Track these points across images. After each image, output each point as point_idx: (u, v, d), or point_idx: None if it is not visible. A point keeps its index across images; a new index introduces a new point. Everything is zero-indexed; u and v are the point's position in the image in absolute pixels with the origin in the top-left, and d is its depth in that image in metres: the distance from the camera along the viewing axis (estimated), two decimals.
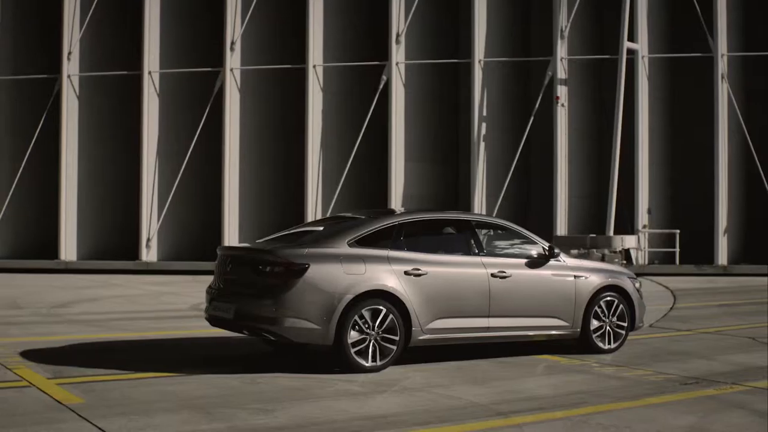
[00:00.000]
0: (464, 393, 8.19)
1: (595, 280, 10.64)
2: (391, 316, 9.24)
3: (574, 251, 26.05)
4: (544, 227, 27.08)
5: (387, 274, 9.30)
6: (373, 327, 9.15)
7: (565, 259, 10.58)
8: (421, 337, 9.48)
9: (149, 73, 27.18)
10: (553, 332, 10.41)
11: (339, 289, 9.03)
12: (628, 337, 11.67)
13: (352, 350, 9.05)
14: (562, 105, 26.78)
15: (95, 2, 27.08)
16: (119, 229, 27.59)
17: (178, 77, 27.65)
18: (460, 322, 9.75)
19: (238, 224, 27.13)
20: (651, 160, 26.92)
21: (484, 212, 26.99)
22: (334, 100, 27.66)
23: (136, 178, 27.16)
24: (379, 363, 9.17)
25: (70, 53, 27.14)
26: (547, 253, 10.36)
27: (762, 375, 9.30)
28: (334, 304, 8.98)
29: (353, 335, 9.06)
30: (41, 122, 27.02)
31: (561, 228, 26.62)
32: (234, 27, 27.23)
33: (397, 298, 9.28)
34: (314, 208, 27.26)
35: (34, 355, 9.93)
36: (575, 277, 10.50)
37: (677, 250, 26.45)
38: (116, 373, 8.99)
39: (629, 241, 25.93)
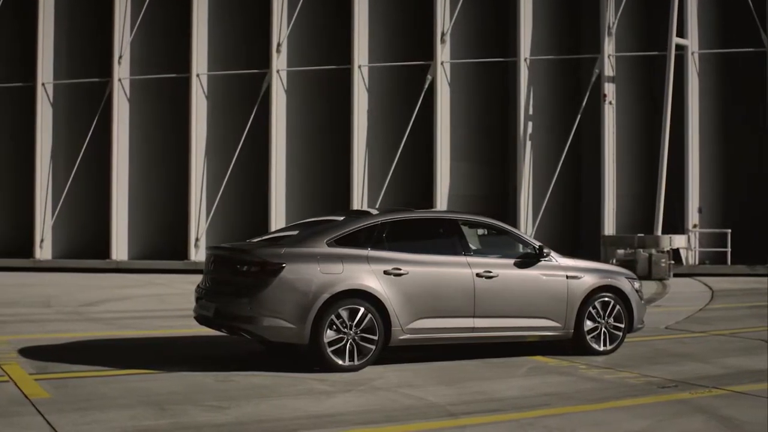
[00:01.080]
0: (430, 393, 8.14)
1: (588, 281, 10.45)
2: (369, 315, 9.22)
3: (621, 251, 25.71)
4: (593, 226, 26.79)
5: (365, 274, 9.29)
6: (351, 326, 9.15)
7: (557, 259, 10.41)
8: (401, 337, 9.45)
9: (197, 75, 27.64)
10: (544, 333, 10.26)
11: (315, 288, 9.05)
12: (631, 339, 11.51)
13: (329, 349, 9.07)
14: (610, 103, 26.37)
15: (145, 7, 27.64)
16: (169, 229, 28.09)
17: (226, 79, 28.05)
18: (444, 322, 9.68)
19: (284, 224, 27.36)
20: (702, 157, 26.31)
21: (530, 212, 26.77)
22: (379, 100, 27.71)
23: (185, 179, 27.62)
24: (356, 362, 9.17)
25: (120, 57, 27.75)
26: (536, 252, 10.21)
27: (749, 379, 9.04)
28: (310, 303, 9.01)
29: (330, 334, 9.07)
30: (93, 125, 27.67)
31: (609, 227, 26.20)
32: (280, 29, 27.50)
33: (376, 297, 9.26)
34: (360, 207, 27.33)
35: (30, 352, 10.19)
36: (567, 277, 10.32)
37: (728, 250, 25.79)
38: (98, 370, 9.17)
39: (678, 241, 25.39)
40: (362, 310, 9.20)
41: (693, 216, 26.22)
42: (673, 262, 24.72)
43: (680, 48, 25.79)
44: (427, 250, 9.87)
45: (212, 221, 27.41)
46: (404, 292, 9.42)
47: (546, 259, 10.24)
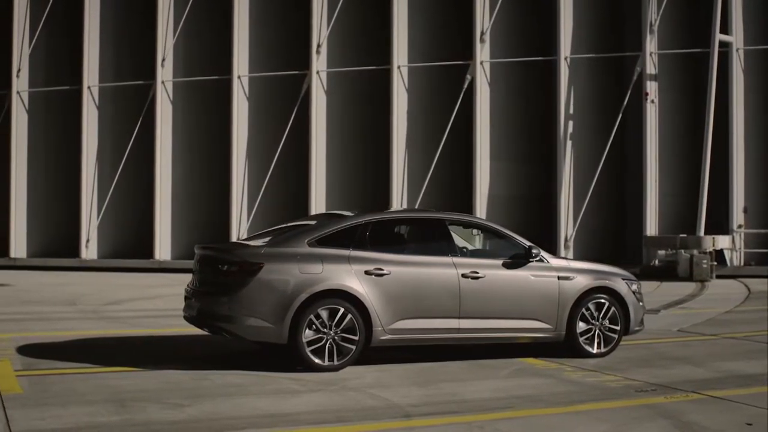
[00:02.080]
0: (398, 395, 8.10)
1: (581, 282, 10.28)
2: (349, 315, 9.21)
3: (662, 252, 25.27)
4: (635, 227, 26.35)
5: (346, 274, 9.28)
6: (331, 326, 9.15)
7: (549, 259, 10.27)
8: (383, 338, 9.42)
9: (239, 77, 27.92)
10: (534, 335, 10.13)
11: (293, 288, 9.08)
12: (633, 342, 11.36)
13: (308, 349, 9.09)
14: (652, 101, 25.89)
15: (187, 10, 28.02)
16: (211, 228, 28.40)
17: (267, 81, 28.28)
18: (428, 323, 9.61)
19: None
20: (747, 156, 25.70)
21: (571, 213, 26.43)
22: (418, 101, 27.66)
23: (226, 180, 27.92)
24: (336, 362, 9.17)
25: (164, 60, 28.18)
26: (526, 253, 10.07)
27: (736, 383, 8.82)
28: (288, 302, 9.03)
29: (308, 334, 9.09)
30: (137, 127, 28.14)
31: (651, 227, 25.74)
32: (320, 30, 27.64)
33: (356, 298, 9.24)
34: (399, 207, 27.32)
35: (28, 349, 10.41)
36: (559, 278, 10.17)
37: None
38: (84, 367, 9.34)
39: (722, 242, 24.85)
40: (342, 310, 9.20)
41: (738, 216, 25.62)
42: (716, 263, 24.19)
43: (724, 45, 25.21)
44: (412, 251, 9.84)
45: (253, 221, 27.66)
46: (386, 292, 9.38)
47: (536, 259, 10.09)
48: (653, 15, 25.75)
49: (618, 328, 10.47)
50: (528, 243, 10.24)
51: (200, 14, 28.37)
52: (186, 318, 9.86)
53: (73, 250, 28.49)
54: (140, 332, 12.46)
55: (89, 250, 28.53)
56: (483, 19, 26.79)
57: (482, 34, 26.80)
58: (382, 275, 9.39)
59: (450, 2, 28.18)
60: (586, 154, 26.53)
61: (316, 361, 9.11)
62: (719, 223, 25.53)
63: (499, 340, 10.08)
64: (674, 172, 26.44)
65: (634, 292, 10.68)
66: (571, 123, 26.59)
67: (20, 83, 29.04)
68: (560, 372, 9.37)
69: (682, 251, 24.24)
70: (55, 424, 6.82)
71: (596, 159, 26.06)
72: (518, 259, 10.10)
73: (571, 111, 26.56)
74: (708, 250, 24.19)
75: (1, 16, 29.22)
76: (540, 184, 27.68)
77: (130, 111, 28.53)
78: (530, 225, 27.34)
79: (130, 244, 28.69)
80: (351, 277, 9.29)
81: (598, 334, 10.37)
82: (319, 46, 27.65)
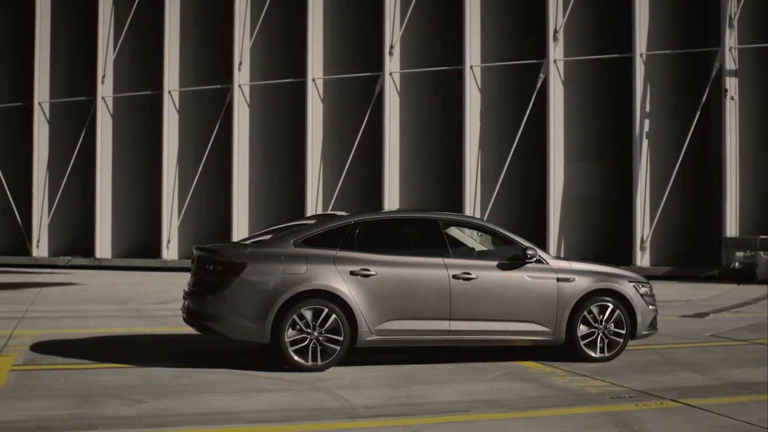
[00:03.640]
0: (363, 395, 8.07)
1: (582, 284, 10.00)
2: (334, 316, 9.22)
3: (740, 254, 24.39)
4: (714, 228, 25.47)
5: (330, 274, 9.29)
6: (315, 327, 9.17)
7: (549, 260, 10.03)
8: (369, 338, 9.39)
9: (313, 80, 28.25)
10: (530, 338, 9.91)
11: (275, 288, 9.14)
12: (647, 346, 11.06)
13: (291, 349, 9.13)
14: (732, 98, 24.96)
15: (263, 15, 28.53)
16: None
17: (340, 83, 28.52)
18: (416, 324, 9.53)
19: None
20: None
21: (648, 210, 25.71)
22: (491, 100, 27.42)
23: (301, 181, 28.30)
24: (320, 362, 9.19)
25: (240, 63, 28.74)
26: (522, 254, 9.86)
27: (724, 392, 8.46)
28: (270, 302, 9.10)
29: (291, 334, 9.13)
30: (215, 130, 28.78)
31: (731, 228, 24.83)
32: (392, 31, 27.70)
33: (341, 298, 9.24)
34: (472, 208, 27.17)
35: (40, 345, 10.79)
36: (558, 279, 9.92)
37: None
38: (79, 363, 9.64)
39: None
40: (326, 310, 9.21)
41: None
42: None
43: None
44: (401, 251, 9.76)
45: None
46: (372, 293, 9.34)
47: (533, 260, 9.87)
48: (732, 9, 24.84)
49: (623, 332, 10.15)
50: (526, 243, 10.02)
51: (275, 18, 28.83)
52: (183, 319, 10.03)
53: (155, 250, 29.33)
54: (162, 330, 12.74)
55: (170, 251, 29.32)
56: (556, 16, 26.35)
57: (555, 32, 26.37)
58: (368, 276, 9.36)
59: (522, 1, 27.83)
60: (662, 153, 25.78)
61: (300, 360, 9.14)
62: None
63: (493, 342, 9.92)
64: (756, 172, 25.41)
65: (642, 295, 10.34)
66: (647, 121, 25.88)
67: (105, 89, 30.10)
68: (548, 376, 9.14)
69: (761, 253, 23.35)
70: (7, 417, 7.05)
71: (673, 158, 25.29)
72: (515, 260, 9.89)
73: (648, 109, 25.85)
74: None
75: (86, 24, 30.33)
76: (615, 184, 27.03)
77: (208, 114, 29.21)
78: (605, 226, 26.81)
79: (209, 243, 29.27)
80: (335, 278, 9.29)
81: (602, 338, 10.07)
82: (391, 47, 27.72)
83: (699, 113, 25.02)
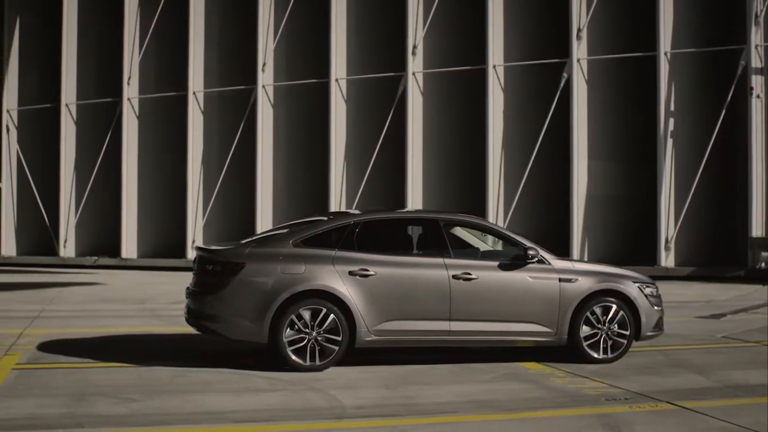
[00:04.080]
0: (355, 396, 8.06)
1: (585, 284, 9.90)
2: (332, 316, 9.22)
3: (766, 254, 24.08)
4: (741, 227, 25.16)
5: (328, 274, 9.29)
6: (313, 327, 9.18)
7: (551, 261, 9.95)
8: (368, 339, 9.37)
9: (336, 80, 28.32)
10: (532, 339, 9.82)
11: (274, 288, 9.16)
12: (653, 347, 10.97)
13: (289, 348, 9.15)
14: (758, 96, 24.66)
15: (286, 17, 28.64)
16: None
17: (364, 83, 28.56)
18: (415, 324, 9.49)
19: None
20: None
21: (672, 210, 25.45)
22: (514, 100, 27.33)
23: (325, 180, 28.39)
24: (318, 362, 9.19)
25: (264, 64, 28.88)
26: (523, 254, 9.79)
27: (723, 394, 8.36)
28: (268, 302, 9.12)
29: (289, 334, 9.14)
30: (239, 130, 28.95)
31: (757, 228, 24.54)
32: (415, 31, 27.70)
33: (339, 298, 9.23)
34: (495, 208, 27.13)
35: (46, 345, 10.88)
36: (560, 280, 9.83)
37: None
38: (81, 362, 9.73)
39: None
40: (324, 310, 9.21)
41: None
42: None
43: None
44: (401, 251, 9.74)
45: None
46: (371, 293, 9.33)
47: (534, 260, 9.80)
48: (758, 6, 24.53)
49: (627, 333, 10.04)
50: (528, 243, 9.95)
51: (299, 19, 28.98)
52: (185, 319, 10.08)
53: (180, 250, 29.54)
54: (171, 330, 12.80)
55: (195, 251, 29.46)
56: (579, 15, 26.19)
57: (579, 31, 26.21)
58: (367, 276, 9.35)
59: (545, 1, 27.68)
60: (687, 152, 25.53)
61: (298, 360, 9.15)
62: None
63: (494, 343, 9.86)
64: None
65: (647, 296, 10.20)
66: (672, 120, 25.62)
67: (131, 90, 30.38)
68: (547, 378, 9.07)
69: None
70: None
71: (698, 157, 25.04)
72: (516, 261, 9.82)
73: (672, 108, 25.60)
74: None
75: (112, 27, 30.62)
76: (640, 184, 26.78)
77: (233, 115, 29.41)
78: (629, 226, 26.61)
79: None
80: (334, 278, 9.28)
81: (605, 339, 9.97)
82: (414, 47, 27.72)
83: (724, 112, 24.76)
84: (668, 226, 25.39)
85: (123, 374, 9.03)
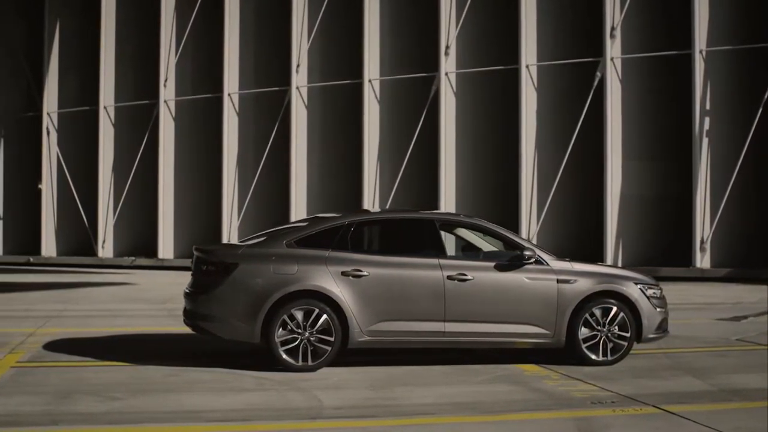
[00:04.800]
0: (339, 397, 8.06)
1: (584, 285, 9.77)
2: (324, 316, 9.22)
3: None
4: None
5: (321, 275, 9.29)
6: (305, 327, 9.19)
7: (549, 261, 9.83)
8: (361, 339, 9.36)
9: (369, 81, 28.34)
10: (528, 340, 9.72)
11: (266, 288, 9.19)
12: (660, 350, 10.84)
13: (281, 349, 9.17)
14: None
15: (320, 17, 28.75)
16: None
17: (396, 83, 28.55)
18: (410, 325, 9.45)
19: None
20: None
21: (708, 210, 25.01)
22: (548, 99, 27.08)
23: (358, 181, 28.42)
24: (311, 363, 9.20)
25: (298, 66, 29.03)
26: (520, 255, 9.70)
27: (714, 398, 8.19)
28: (260, 302, 9.16)
29: (281, 334, 9.17)
30: (274, 131, 29.14)
31: None
32: (448, 31, 27.61)
33: (332, 299, 9.23)
34: (528, 209, 26.93)
35: (52, 344, 11.03)
36: (558, 281, 9.72)
37: None
38: (80, 361, 9.86)
39: None
40: (317, 311, 9.22)
41: None
42: None
43: None
44: (395, 252, 9.70)
45: None
46: (364, 293, 9.32)
47: (531, 261, 9.69)
48: None
49: (628, 335, 9.88)
50: (526, 244, 9.87)
51: (332, 20, 29.04)
52: (183, 320, 10.14)
53: None
54: (181, 330, 12.65)
55: None
56: (613, 14, 25.87)
57: (612, 29, 25.89)
58: (360, 276, 9.34)
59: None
60: (724, 150, 25.06)
61: (290, 360, 9.17)
62: None
63: (490, 344, 9.78)
64: None
65: (649, 297, 10.03)
66: (707, 119, 25.19)
67: (167, 92, 30.74)
68: (539, 380, 8.98)
69: None
70: None
71: (735, 156, 24.57)
72: (513, 261, 9.74)
73: (708, 107, 25.16)
74: None
75: (149, 29, 31.02)
76: (675, 184, 26.37)
77: (267, 116, 29.60)
78: (664, 226, 26.22)
79: None
80: (326, 278, 9.29)
81: (605, 341, 9.83)
82: (447, 47, 27.63)
83: (761, 110, 24.26)
84: (704, 226, 24.96)
85: (117, 373, 9.14)
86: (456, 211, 27.33)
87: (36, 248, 33.36)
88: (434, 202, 27.50)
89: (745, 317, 14.89)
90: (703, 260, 24.94)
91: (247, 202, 29.69)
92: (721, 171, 24.93)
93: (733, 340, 12.13)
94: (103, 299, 18.15)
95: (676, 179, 26.35)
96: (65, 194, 32.95)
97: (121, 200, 31.48)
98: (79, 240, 32.46)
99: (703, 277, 24.22)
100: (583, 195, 27.00)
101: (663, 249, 25.82)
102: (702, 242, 24.89)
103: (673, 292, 20.47)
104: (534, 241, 26.50)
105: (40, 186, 33.25)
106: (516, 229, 26.47)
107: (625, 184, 26.23)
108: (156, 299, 18.01)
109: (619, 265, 25.15)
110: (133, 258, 30.80)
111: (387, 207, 27.84)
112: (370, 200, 28.51)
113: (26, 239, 33.94)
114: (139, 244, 31.34)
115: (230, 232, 29.77)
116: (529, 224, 26.90)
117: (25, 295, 19.19)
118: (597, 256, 24.91)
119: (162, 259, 30.37)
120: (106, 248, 31.82)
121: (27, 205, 34.09)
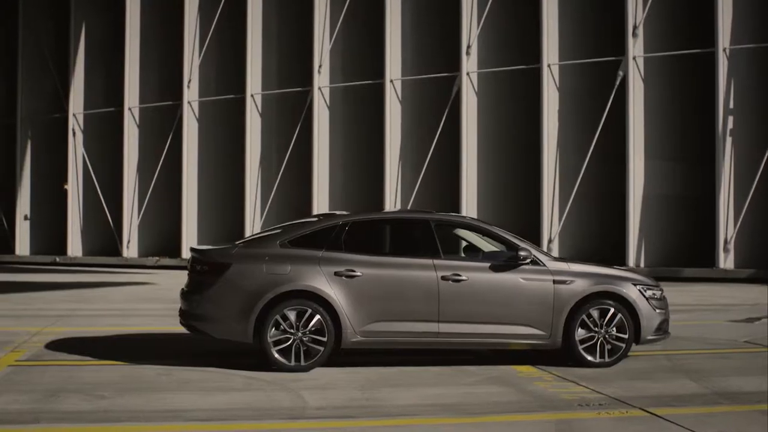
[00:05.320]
0: (325, 397, 8.06)
1: (581, 286, 9.68)
2: (317, 317, 9.23)
3: None
4: None
5: (314, 275, 9.30)
6: (298, 327, 9.20)
7: (546, 262, 9.75)
8: (354, 340, 9.35)
9: (391, 81, 28.35)
10: (524, 341, 9.66)
11: (258, 288, 9.22)
12: (662, 351, 10.75)
13: (273, 349, 9.19)
14: None
15: (342, 18, 28.80)
16: None
17: (418, 83, 28.54)
18: (403, 326, 9.43)
19: None
20: None
21: (732, 210, 24.72)
22: (569, 99, 26.94)
23: (380, 181, 28.45)
24: (303, 363, 9.21)
25: (320, 66, 29.10)
26: (516, 255, 9.63)
27: (706, 401, 8.09)
28: (252, 302, 9.19)
29: (274, 334, 9.19)
30: (296, 132, 29.24)
31: None
32: (469, 31, 27.54)
33: (324, 299, 9.24)
34: (550, 209, 26.78)
35: (54, 343, 11.13)
36: (555, 282, 9.64)
37: None
38: (78, 360, 9.95)
39: None
40: (309, 311, 9.23)
41: None
42: None
43: None
44: (389, 252, 9.71)
45: None
46: (357, 294, 9.31)
47: (527, 262, 9.63)
48: None
49: (626, 336, 9.78)
50: (522, 244, 9.79)
51: (354, 21, 29.12)
52: (179, 320, 10.19)
53: None
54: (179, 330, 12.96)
55: None
56: (635, 12, 25.67)
57: (635, 28, 25.69)
58: (353, 277, 9.33)
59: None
60: (747, 150, 24.77)
61: (283, 360, 9.19)
62: None
63: (485, 345, 9.73)
64: None
65: (648, 299, 9.92)
66: (730, 118, 24.90)
67: (191, 93, 30.95)
68: (530, 381, 8.91)
69: None
70: None
71: (759, 156, 24.30)
72: (509, 262, 9.68)
73: (731, 105, 24.87)
74: None
75: (173, 31, 31.26)
76: (698, 184, 26.11)
77: (290, 117, 29.73)
78: (687, 226, 25.97)
79: None
80: (319, 278, 9.29)
81: (602, 342, 9.73)
82: (468, 47, 27.57)
83: None
84: (727, 227, 24.67)
85: (110, 372, 9.21)
86: (477, 211, 27.30)
87: (62, 248, 33.77)
88: (456, 202, 27.47)
89: (759, 319, 14.68)
90: (726, 261, 24.66)
91: (269, 202, 29.84)
92: (745, 171, 24.64)
93: (741, 342, 11.96)
94: (118, 299, 18.31)
95: (699, 179, 26.08)
96: (90, 195, 33.32)
97: (146, 200, 31.76)
98: (104, 240, 32.80)
99: (726, 278, 23.94)
100: (605, 195, 26.81)
101: (686, 250, 25.57)
102: (725, 242, 24.61)
103: (693, 293, 20.36)
104: (555, 242, 26.42)
105: (66, 187, 33.63)
106: (537, 229, 26.36)
107: (648, 183, 26.01)
108: (170, 299, 18.04)
109: (642, 266, 24.97)
110: (158, 258, 31.05)
111: (408, 207, 27.83)
112: (392, 200, 28.52)
113: (52, 239, 34.36)
114: (163, 244, 31.60)
115: (253, 232, 29.87)
116: (551, 224, 26.75)
117: (44, 294, 19.42)
118: (619, 257, 24.73)
119: (185, 259, 30.44)
120: (130, 248, 32.11)
121: (53, 205, 34.52)
